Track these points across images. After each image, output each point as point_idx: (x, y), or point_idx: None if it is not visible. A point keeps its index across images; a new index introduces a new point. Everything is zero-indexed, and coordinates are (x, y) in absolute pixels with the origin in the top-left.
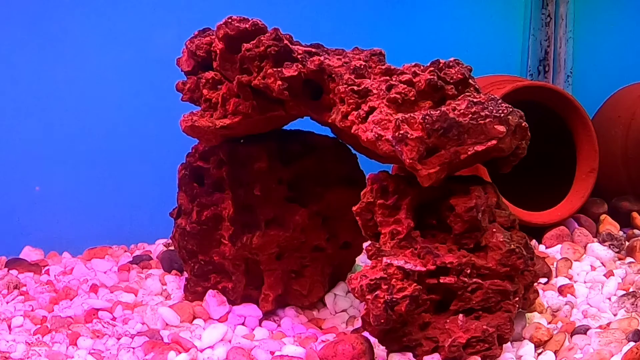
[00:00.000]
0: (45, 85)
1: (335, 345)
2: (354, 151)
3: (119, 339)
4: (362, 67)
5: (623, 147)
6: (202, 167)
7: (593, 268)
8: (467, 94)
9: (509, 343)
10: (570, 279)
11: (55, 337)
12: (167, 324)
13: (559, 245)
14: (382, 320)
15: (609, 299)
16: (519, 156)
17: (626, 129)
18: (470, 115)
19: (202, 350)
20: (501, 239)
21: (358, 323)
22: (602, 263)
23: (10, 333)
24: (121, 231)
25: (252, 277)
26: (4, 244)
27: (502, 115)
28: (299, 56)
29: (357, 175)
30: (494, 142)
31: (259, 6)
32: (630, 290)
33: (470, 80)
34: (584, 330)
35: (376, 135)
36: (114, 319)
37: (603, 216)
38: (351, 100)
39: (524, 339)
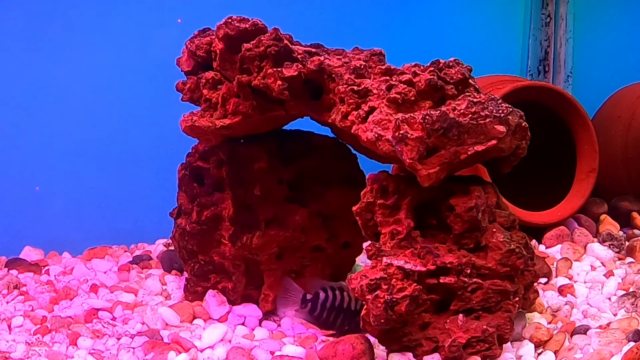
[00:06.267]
0: (45, 85)
1: (335, 345)
2: (354, 151)
3: (119, 339)
4: (362, 67)
5: (623, 147)
6: (202, 167)
7: (593, 268)
8: (467, 94)
9: (509, 343)
10: (570, 279)
11: (55, 337)
12: (167, 324)
13: (559, 245)
14: (382, 320)
15: (609, 299)
16: (519, 156)
17: (626, 129)
18: (470, 115)
19: (202, 350)
20: (501, 239)
21: None
22: (602, 263)
23: (10, 333)
24: (121, 231)
25: (252, 277)
26: (4, 244)
27: (502, 115)
28: (299, 56)
29: (357, 175)
30: (494, 142)
31: (259, 6)
32: (630, 290)
33: (470, 80)
34: (584, 330)
35: (376, 135)
36: (114, 319)
37: (603, 216)
38: (351, 100)
39: (524, 339)
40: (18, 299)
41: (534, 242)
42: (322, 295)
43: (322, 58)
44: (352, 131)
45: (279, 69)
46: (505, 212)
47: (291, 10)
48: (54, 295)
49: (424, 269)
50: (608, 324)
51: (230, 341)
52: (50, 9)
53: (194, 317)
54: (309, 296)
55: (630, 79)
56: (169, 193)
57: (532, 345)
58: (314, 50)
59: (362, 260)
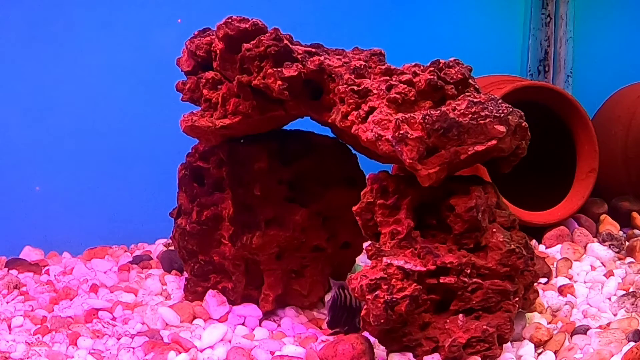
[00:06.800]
0: (45, 85)
1: (335, 345)
2: (354, 151)
3: (119, 339)
4: (362, 67)
5: (623, 147)
6: (202, 167)
7: (593, 268)
8: (467, 94)
9: (509, 343)
10: (570, 279)
11: (55, 337)
12: (167, 324)
13: (559, 245)
14: (382, 320)
15: (609, 299)
16: (519, 156)
17: (626, 129)
18: (470, 115)
19: (202, 350)
20: (501, 239)
21: None
22: (602, 263)
23: (10, 333)
24: (121, 231)
25: (252, 277)
26: (4, 244)
27: (502, 115)
28: (299, 56)
29: (357, 175)
30: (494, 142)
31: (259, 6)
32: (630, 290)
33: (470, 80)
34: (584, 330)
35: (376, 135)
36: (114, 319)
37: (603, 216)
38: (351, 100)
39: (524, 339)
40: (18, 299)
41: (534, 242)
42: (335, 295)
43: (322, 58)
44: (352, 131)
45: (279, 69)
46: (505, 212)
47: (291, 10)
48: (54, 295)
49: (424, 269)
50: (608, 324)
51: (230, 341)
52: (51, 9)
53: (194, 317)
54: (332, 297)
55: (630, 79)
56: (169, 193)
57: (532, 345)
58: (314, 50)
59: (362, 260)
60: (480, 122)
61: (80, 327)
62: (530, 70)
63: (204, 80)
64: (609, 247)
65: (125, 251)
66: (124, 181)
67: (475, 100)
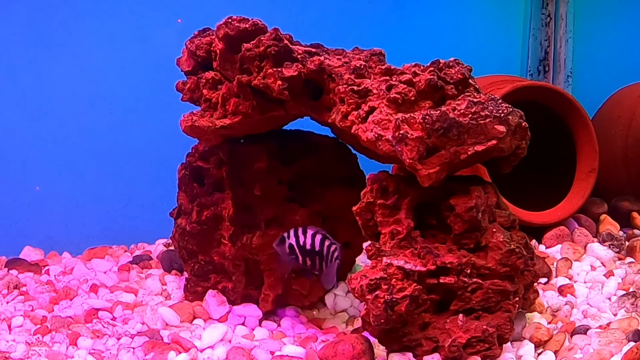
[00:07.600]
0: (45, 85)
1: (335, 345)
2: (354, 151)
3: (119, 339)
4: (362, 67)
5: (623, 147)
6: (202, 167)
7: (593, 268)
8: (467, 94)
9: (509, 343)
10: (570, 279)
11: (55, 337)
12: (167, 324)
13: (559, 245)
14: (382, 320)
15: (609, 299)
16: (519, 156)
17: (626, 129)
18: (470, 115)
19: (202, 350)
20: (501, 239)
21: (358, 323)
22: (602, 263)
23: (10, 333)
24: (121, 231)
25: (252, 277)
26: (4, 244)
27: (502, 115)
28: (299, 56)
29: (357, 175)
30: (494, 142)
31: (259, 6)
32: (630, 290)
33: (470, 80)
34: (584, 330)
35: (376, 135)
36: (114, 319)
37: (603, 216)
38: (351, 100)
39: (524, 339)
40: (18, 299)
41: (534, 242)
42: (292, 238)
43: (322, 58)
44: (352, 131)
45: (279, 69)
46: (505, 212)
47: (291, 10)
48: (54, 295)
49: (424, 269)
50: (608, 324)
51: (230, 341)
52: (51, 9)
53: (194, 317)
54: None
55: (630, 79)
56: (169, 193)
57: (532, 345)
58: (314, 50)
59: (362, 260)
60: (480, 122)
61: (80, 327)
62: (530, 70)
63: (204, 80)
64: (609, 247)
65: (125, 251)
66: (124, 181)
67: (475, 100)
